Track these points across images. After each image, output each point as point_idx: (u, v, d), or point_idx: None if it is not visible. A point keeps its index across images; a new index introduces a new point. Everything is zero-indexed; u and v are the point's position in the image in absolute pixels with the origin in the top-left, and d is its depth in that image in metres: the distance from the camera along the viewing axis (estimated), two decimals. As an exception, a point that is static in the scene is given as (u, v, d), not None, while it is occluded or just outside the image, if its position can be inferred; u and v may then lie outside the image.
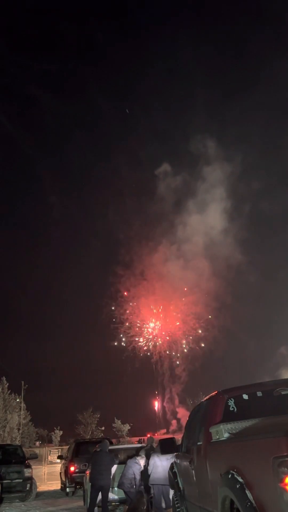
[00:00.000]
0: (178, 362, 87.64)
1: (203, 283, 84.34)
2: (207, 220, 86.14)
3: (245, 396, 4.63)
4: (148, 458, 9.42)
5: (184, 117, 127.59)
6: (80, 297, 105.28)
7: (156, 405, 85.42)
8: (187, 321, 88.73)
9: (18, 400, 45.15)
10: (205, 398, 5.51)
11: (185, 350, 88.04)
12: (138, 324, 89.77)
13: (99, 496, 9.41)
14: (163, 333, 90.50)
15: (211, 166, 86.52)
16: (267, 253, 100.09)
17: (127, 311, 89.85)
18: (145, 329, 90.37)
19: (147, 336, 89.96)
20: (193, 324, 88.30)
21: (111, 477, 9.81)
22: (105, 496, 9.34)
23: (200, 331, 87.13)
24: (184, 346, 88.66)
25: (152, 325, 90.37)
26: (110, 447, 10.77)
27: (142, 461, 9.66)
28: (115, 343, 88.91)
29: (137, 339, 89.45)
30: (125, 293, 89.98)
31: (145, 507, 9.32)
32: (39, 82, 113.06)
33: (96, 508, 9.43)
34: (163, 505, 8.84)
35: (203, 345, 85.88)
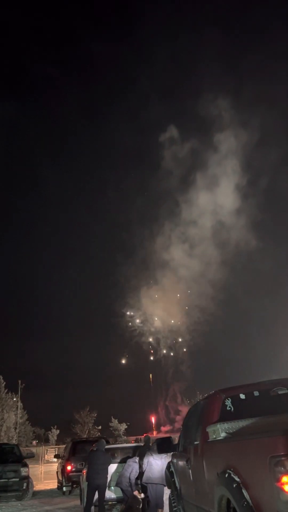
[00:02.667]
0: (182, 359, 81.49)
1: (209, 272, 72.81)
2: (217, 198, 71.92)
3: (242, 396, 4.63)
4: (143, 457, 9.45)
5: (192, 71, 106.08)
6: (78, 293, 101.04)
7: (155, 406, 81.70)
8: (192, 315, 79.37)
9: (15, 399, 45.09)
10: (202, 398, 5.51)
11: (184, 349, 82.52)
12: (137, 321, 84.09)
13: (96, 495, 9.41)
14: (166, 327, 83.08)
15: (223, 132, 71.47)
16: (285, 239, 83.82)
17: (128, 304, 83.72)
18: (146, 323, 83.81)
19: (147, 330, 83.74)
20: (196, 317, 78.88)
21: (108, 476, 9.82)
22: (101, 495, 9.35)
23: (204, 326, 77.64)
24: (188, 341, 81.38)
25: (153, 318, 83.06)
26: (107, 446, 10.78)
27: (140, 460, 9.71)
28: (114, 339, 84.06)
29: (137, 333, 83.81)
30: (125, 285, 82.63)
31: (140, 506, 9.33)
32: (29, 33, 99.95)
33: (92, 507, 9.44)
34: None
35: (207, 341, 77.44)
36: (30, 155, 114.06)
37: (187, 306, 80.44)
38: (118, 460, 10.52)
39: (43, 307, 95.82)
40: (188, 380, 75.44)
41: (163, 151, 78.12)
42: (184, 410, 63.50)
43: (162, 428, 68.17)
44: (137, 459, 9.79)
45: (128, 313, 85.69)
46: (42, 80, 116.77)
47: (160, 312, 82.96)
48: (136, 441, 31.58)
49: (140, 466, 9.55)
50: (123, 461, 10.15)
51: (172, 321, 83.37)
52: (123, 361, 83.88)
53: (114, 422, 52.13)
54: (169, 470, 6.76)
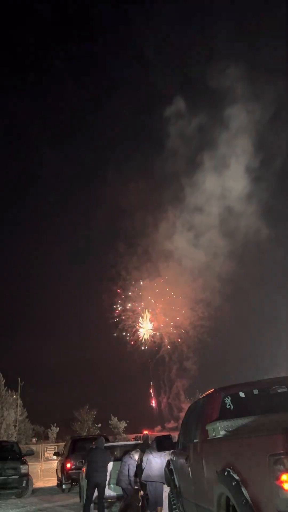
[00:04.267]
0: (187, 355, 77.56)
1: (216, 263, 66.57)
2: (225, 182, 63.70)
3: (242, 394, 4.63)
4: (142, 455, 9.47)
5: (201, 35, 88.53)
6: (78, 288, 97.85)
7: (154, 402, 79.80)
8: (196, 309, 75.00)
9: (14, 396, 45.13)
10: (201, 396, 5.52)
11: (188, 346, 79.11)
12: (139, 315, 79.73)
13: (95, 493, 9.43)
14: (171, 323, 77.74)
15: (234, 106, 62.45)
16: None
17: (129, 297, 79.57)
18: (148, 318, 79.08)
19: (148, 329, 79.14)
20: (201, 312, 74.85)
21: (108, 474, 9.84)
22: (101, 493, 9.37)
23: (210, 321, 73.02)
24: (192, 337, 77.40)
25: (156, 312, 78.30)
26: (106, 444, 10.79)
27: (136, 455, 9.71)
28: (115, 334, 79.68)
29: (139, 329, 79.49)
30: (127, 277, 76.67)
31: (140, 504, 9.35)
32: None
33: (92, 505, 9.45)
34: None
35: (211, 337, 72.84)
36: (25, 135, 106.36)
37: (191, 300, 75.81)
38: (118, 458, 10.54)
39: (42, 303, 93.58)
40: (192, 377, 72.90)
41: (168, 128, 69.48)
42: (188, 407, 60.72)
43: (166, 425, 66.23)
44: (132, 453, 9.80)
45: (129, 306, 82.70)
46: (39, 49, 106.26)
47: (163, 306, 78.90)
48: (135, 439, 31.61)
49: (138, 462, 9.58)
50: (121, 458, 10.17)
51: (177, 316, 79.42)
52: (125, 358, 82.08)
53: (114, 420, 52.17)
54: (169, 468, 6.76)
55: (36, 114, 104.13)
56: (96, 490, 9.43)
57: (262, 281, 68.77)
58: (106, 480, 9.59)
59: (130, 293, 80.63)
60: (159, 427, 68.44)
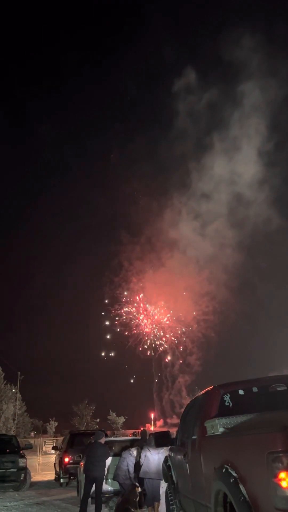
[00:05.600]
0: (191, 351, 75.18)
1: (223, 254, 60.96)
2: (235, 166, 56.25)
3: (241, 392, 4.64)
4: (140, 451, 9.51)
5: (214, 3, 77.42)
6: (78, 282, 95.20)
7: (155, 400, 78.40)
8: (200, 303, 71.99)
9: (13, 390, 45.28)
10: (201, 393, 5.52)
11: (192, 341, 76.58)
12: (141, 309, 77.28)
13: (93, 488, 9.46)
14: (174, 317, 75.08)
15: (248, 82, 53.68)
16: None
17: (130, 289, 77.14)
18: (151, 311, 76.33)
19: (151, 320, 76.28)
20: (206, 306, 71.86)
21: (106, 468, 9.86)
22: (99, 487, 9.39)
23: (215, 316, 69.89)
24: (195, 331, 74.88)
25: (159, 306, 75.03)
26: (106, 439, 10.81)
27: (135, 452, 9.75)
28: (118, 329, 77.66)
29: (141, 323, 77.19)
30: (129, 268, 72.77)
31: (137, 499, 9.38)
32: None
33: (90, 499, 9.48)
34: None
35: (215, 332, 70.06)
36: (24, 112, 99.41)
37: (196, 293, 72.38)
38: (116, 453, 10.57)
39: (42, 297, 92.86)
40: (195, 373, 70.65)
41: (177, 104, 60.31)
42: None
43: (168, 420, 65.06)
44: (131, 450, 9.84)
45: (131, 299, 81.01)
46: (42, 19, 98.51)
47: (166, 298, 75.84)
48: (133, 434, 31.70)
49: (136, 459, 9.61)
50: (120, 454, 10.20)
51: (180, 310, 76.93)
52: (125, 353, 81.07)
53: (112, 415, 52.35)
54: (166, 464, 6.78)
55: (34, 90, 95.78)
56: (94, 484, 9.46)
57: (271, 275, 65.34)
58: (103, 475, 9.61)
59: (132, 285, 78.85)
60: (161, 421, 67.40)
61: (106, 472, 9.93)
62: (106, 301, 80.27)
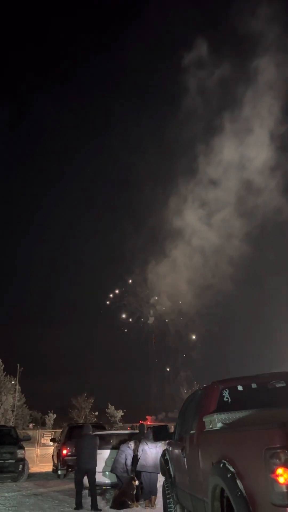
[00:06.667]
0: (194, 345, 75.05)
1: (229, 245, 56.29)
2: (246, 149, 51.95)
3: (240, 388, 4.65)
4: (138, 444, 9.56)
5: None
6: (80, 272, 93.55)
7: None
8: (204, 296, 66.10)
9: (13, 382, 45.45)
10: (200, 388, 5.54)
11: (194, 336, 76.30)
12: (142, 302, 76.97)
13: (86, 480, 9.53)
14: (177, 309, 74.35)
15: (264, 57, 47.63)
16: None
17: (133, 281, 76.52)
18: (153, 304, 76.54)
19: (153, 313, 76.37)
20: (209, 299, 66.38)
21: (103, 461, 9.93)
22: (91, 479, 9.45)
23: (219, 310, 67.02)
24: (198, 326, 74.09)
25: (161, 298, 74.50)
26: (104, 432, 10.86)
27: (133, 445, 9.81)
28: (123, 316, 76.32)
29: (142, 316, 77.44)
30: (130, 260, 72.90)
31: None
32: None
33: (87, 491, 9.54)
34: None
35: (221, 327, 68.76)
36: (22, 90, 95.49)
37: (200, 285, 67.07)
38: (114, 446, 10.62)
39: (42, 289, 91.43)
40: (197, 367, 69.15)
41: (185, 80, 55.91)
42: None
43: (170, 415, 64.62)
44: (130, 443, 9.90)
45: (133, 290, 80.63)
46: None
47: (168, 291, 73.14)
48: (131, 428, 31.84)
49: (134, 453, 9.67)
50: (118, 447, 10.25)
51: (181, 302, 74.53)
52: (126, 346, 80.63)
53: (111, 409, 52.50)
54: (164, 458, 6.81)
55: (34, 65, 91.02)
56: (86, 477, 9.53)
57: (279, 268, 61.67)
58: (95, 467, 9.66)
59: (134, 276, 77.93)
60: (163, 414, 66.74)
61: (103, 464, 10.00)
62: (108, 292, 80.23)
